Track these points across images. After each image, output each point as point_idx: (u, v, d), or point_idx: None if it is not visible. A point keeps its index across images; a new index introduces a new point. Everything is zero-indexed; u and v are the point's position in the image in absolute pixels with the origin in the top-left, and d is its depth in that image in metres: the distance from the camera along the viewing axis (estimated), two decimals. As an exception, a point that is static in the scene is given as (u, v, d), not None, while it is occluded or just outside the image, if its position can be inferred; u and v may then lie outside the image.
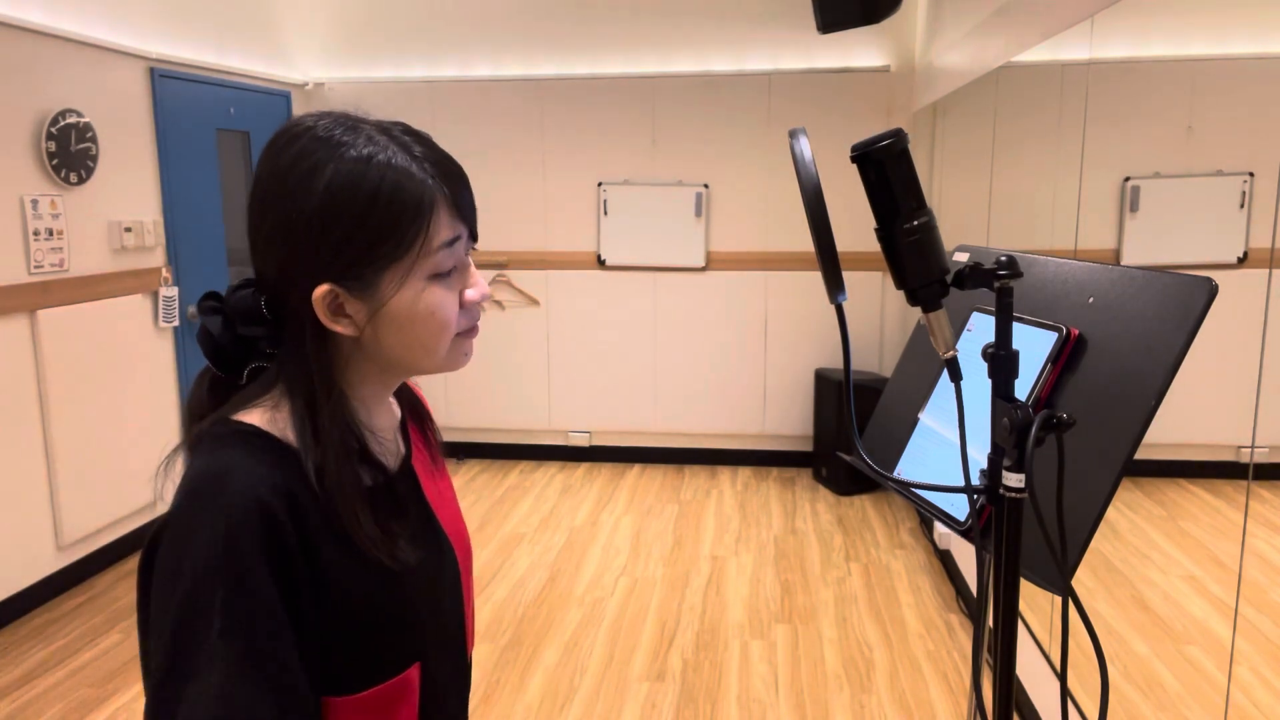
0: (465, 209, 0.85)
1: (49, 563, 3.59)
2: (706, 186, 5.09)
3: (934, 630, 3.34)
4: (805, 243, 5.05)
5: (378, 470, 0.88)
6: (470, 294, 0.86)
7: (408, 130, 0.84)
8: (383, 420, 0.94)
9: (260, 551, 0.74)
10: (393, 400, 0.98)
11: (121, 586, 3.75)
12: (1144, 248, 2.13)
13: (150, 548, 0.77)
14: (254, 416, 0.82)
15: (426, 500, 0.96)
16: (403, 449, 0.96)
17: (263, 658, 0.73)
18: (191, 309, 4.33)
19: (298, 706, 0.75)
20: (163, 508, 0.79)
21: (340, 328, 0.82)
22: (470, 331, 0.89)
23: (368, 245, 0.80)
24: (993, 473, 0.98)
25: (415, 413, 1.02)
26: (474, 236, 0.88)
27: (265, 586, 0.74)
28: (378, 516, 0.84)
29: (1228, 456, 1.75)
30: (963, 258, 1.27)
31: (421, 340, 0.84)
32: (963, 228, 3.86)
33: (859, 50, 4.93)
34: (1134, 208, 2.12)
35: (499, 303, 5.32)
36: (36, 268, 3.48)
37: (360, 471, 0.85)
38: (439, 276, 0.83)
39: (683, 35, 5.03)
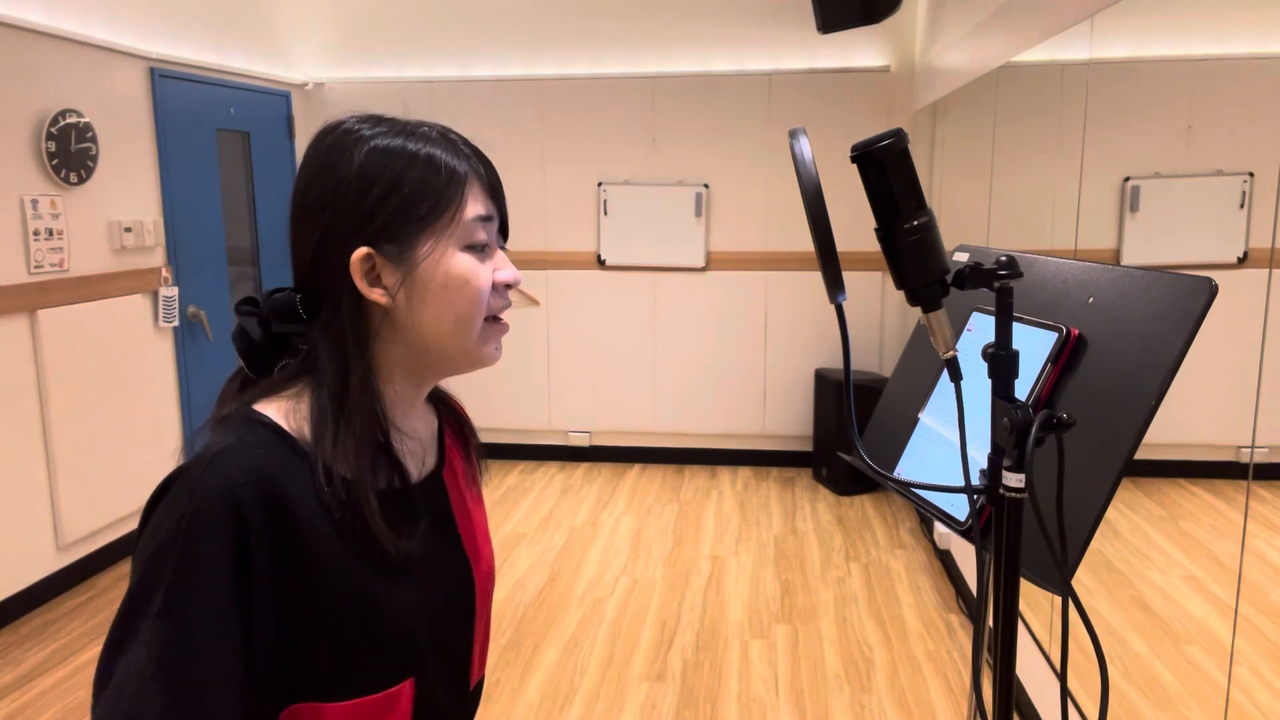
0: (497, 193, 0.89)
1: (49, 563, 3.59)
2: (706, 186, 5.09)
3: (934, 630, 3.34)
4: (805, 243, 5.05)
5: (395, 470, 0.87)
6: (503, 274, 0.88)
7: (436, 124, 0.89)
8: (413, 424, 0.93)
9: (218, 542, 0.74)
10: (429, 410, 0.98)
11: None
12: (1144, 248, 2.13)
13: (144, 517, 0.79)
14: (272, 406, 0.83)
15: (452, 515, 0.94)
16: (432, 460, 0.95)
17: (187, 647, 0.73)
18: (192, 309, 4.33)
19: (207, 702, 0.73)
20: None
21: (376, 294, 0.84)
22: (501, 324, 0.90)
23: (405, 205, 0.83)
24: (993, 473, 0.98)
25: (458, 429, 1.02)
26: (505, 229, 0.91)
27: (214, 578, 0.74)
28: (385, 515, 0.83)
29: (1228, 456, 1.75)
30: (963, 258, 1.27)
31: (454, 310, 0.85)
32: (963, 228, 3.86)
33: (859, 50, 4.93)
34: (1134, 208, 2.12)
35: (499, 303, 5.32)
36: (36, 268, 3.48)
37: (377, 464, 0.84)
38: (472, 249, 0.86)
39: (683, 35, 5.03)
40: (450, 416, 1.02)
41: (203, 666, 0.73)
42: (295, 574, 0.78)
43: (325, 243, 0.84)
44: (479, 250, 0.86)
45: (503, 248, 0.90)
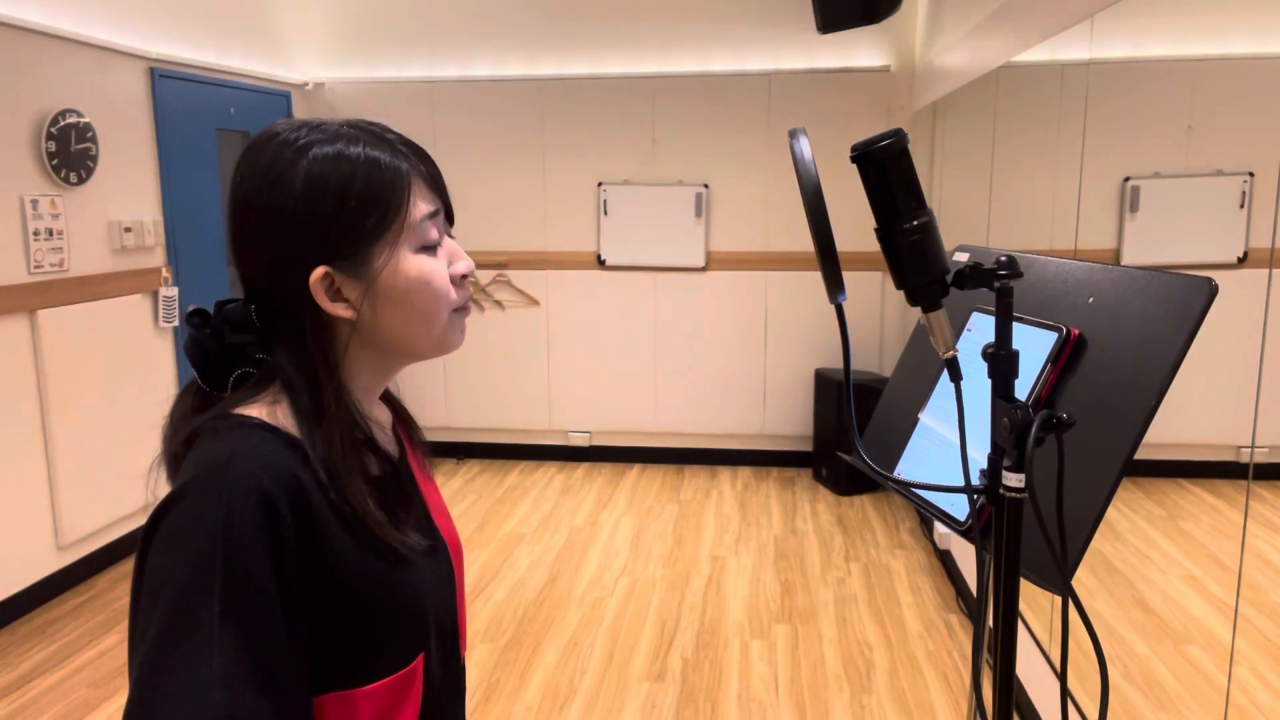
0: (439, 185, 0.89)
1: (49, 563, 3.59)
2: (706, 186, 5.09)
3: (934, 630, 3.34)
4: (805, 243, 5.05)
5: (384, 459, 0.90)
6: (459, 267, 0.89)
7: (369, 122, 0.88)
8: (379, 414, 0.95)
9: (260, 541, 0.74)
10: (380, 403, 1.00)
11: (121, 586, 3.75)
12: (1144, 248, 2.13)
13: (150, 529, 0.77)
14: (253, 411, 0.83)
15: (423, 497, 0.97)
16: (396, 447, 0.97)
17: (259, 645, 0.73)
18: (192, 308, 4.33)
19: (288, 696, 0.75)
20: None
21: (339, 310, 0.84)
22: (464, 309, 0.91)
23: (354, 220, 0.82)
24: (993, 473, 0.98)
25: (401, 417, 1.03)
26: (450, 216, 0.91)
27: (263, 576, 0.74)
28: (385, 504, 0.85)
29: (1228, 456, 1.75)
30: (963, 258, 1.27)
31: (419, 311, 0.86)
32: (963, 228, 3.86)
33: (859, 50, 4.93)
34: (1134, 208, 2.12)
35: (499, 303, 5.32)
36: (36, 268, 3.48)
37: (367, 459, 0.86)
38: (426, 249, 0.86)
39: (683, 35, 5.03)
40: (391, 405, 1.04)
41: (278, 662, 0.74)
42: (319, 564, 0.79)
43: (279, 265, 0.83)
44: (432, 249, 0.87)
45: (450, 235, 0.91)
